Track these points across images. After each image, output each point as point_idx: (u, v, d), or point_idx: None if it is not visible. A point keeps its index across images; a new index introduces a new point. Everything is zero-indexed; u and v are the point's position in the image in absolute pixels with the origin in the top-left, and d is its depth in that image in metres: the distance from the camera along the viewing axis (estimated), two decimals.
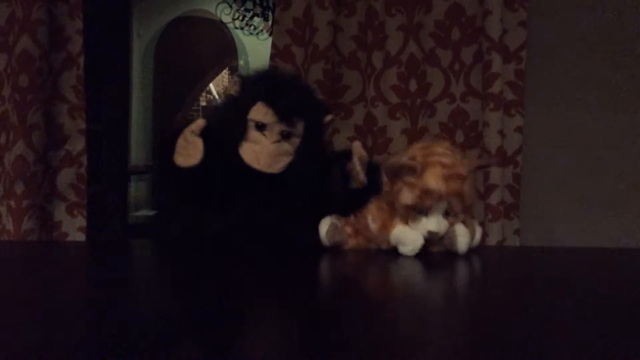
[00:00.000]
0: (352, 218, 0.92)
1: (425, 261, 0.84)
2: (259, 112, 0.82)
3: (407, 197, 0.84)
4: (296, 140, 0.85)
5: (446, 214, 0.86)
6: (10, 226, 1.39)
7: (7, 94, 1.45)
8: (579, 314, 0.50)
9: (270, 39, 1.52)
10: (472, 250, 0.89)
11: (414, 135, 1.48)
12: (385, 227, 0.87)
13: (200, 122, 0.82)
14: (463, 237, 0.86)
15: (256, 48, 5.72)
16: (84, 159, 1.48)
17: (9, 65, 1.45)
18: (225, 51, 6.20)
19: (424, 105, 1.50)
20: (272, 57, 1.50)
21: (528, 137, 1.51)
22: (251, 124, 0.83)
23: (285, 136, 0.84)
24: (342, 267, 0.82)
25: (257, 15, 4.40)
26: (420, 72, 1.49)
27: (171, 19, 5.61)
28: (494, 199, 1.42)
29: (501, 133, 1.43)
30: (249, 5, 4.37)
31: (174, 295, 0.58)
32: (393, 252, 0.87)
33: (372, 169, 0.88)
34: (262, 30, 4.78)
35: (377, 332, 0.43)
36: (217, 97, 7.23)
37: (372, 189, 0.87)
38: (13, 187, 1.39)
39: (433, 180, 0.84)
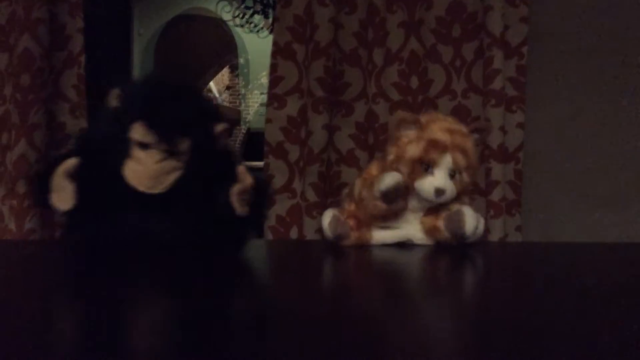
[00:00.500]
0: (351, 206, 0.91)
1: (426, 256, 0.83)
2: (139, 132, 0.76)
3: (412, 150, 0.85)
4: (184, 155, 0.80)
5: (451, 176, 0.86)
6: (12, 226, 1.40)
7: (8, 94, 1.45)
8: (582, 310, 0.50)
9: (270, 37, 1.52)
10: (474, 245, 0.89)
11: None
12: (372, 183, 0.86)
13: (71, 163, 0.76)
14: (470, 218, 0.85)
15: (256, 46, 5.72)
16: None
17: (10, 65, 1.45)
18: (225, 49, 6.20)
19: (426, 101, 1.50)
20: (274, 54, 1.50)
21: (529, 133, 1.51)
22: (134, 142, 0.78)
23: (171, 153, 0.77)
24: (336, 267, 0.82)
25: (258, 13, 4.40)
26: (422, 69, 1.49)
27: (171, 17, 5.61)
28: (495, 195, 1.43)
29: (502, 129, 1.43)
30: (249, 2, 4.37)
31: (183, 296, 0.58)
32: (395, 247, 0.87)
33: (262, 193, 0.84)
34: (262, 28, 4.78)
35: (374, 329, 0.43)
36: (217, 95, 7.22)
37: (257, 216, 0.84)
38: (15, 187, 1.39)
39: (439, 131, 0.85)
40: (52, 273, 0.71)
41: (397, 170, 0.86)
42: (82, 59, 1.49)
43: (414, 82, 1.49)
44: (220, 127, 0.82)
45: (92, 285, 0.61)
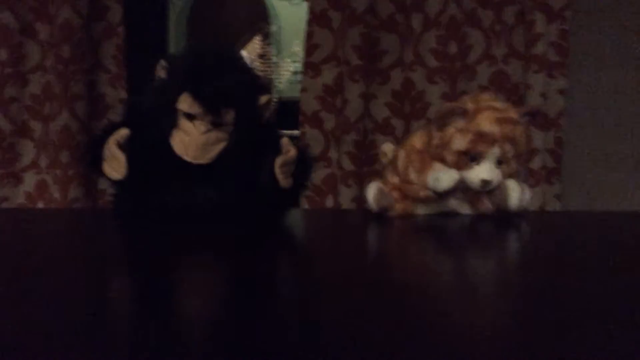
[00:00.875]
0: (394, 178, 0.91)
1: (468, 225, 0.83)
2: (186, 104, 0.78)
3: (459, 142, 0.82)
4: (229, 126, 0.81)
5: (498, 164, 0.84)
6: (57, 194, 1.44)
7: (49, 65, 1.47)
8: (631, 281, 0.49)
9: (303, 4, 1.50)
10: (517, 214, 0.88)
11: (452, 99, 1.46)
12: (424, 172, 0.85)
13: (123, 132, 0.77)
14: (515, 192, 0.84)
15: (288, 13, 5.66)
16: None
17: (51, 36, 1.47)
18: (257, 17, 6.16)
19: (464, 68, 1.47)
20: (309, 22, 1.49)
21: (571, 100, 1.47)
22: (181, 113, 0.79)
23: (216, 124, 0.79)
24: (381, 236, 0.82)
25: None
26: (461, 34, 1.46)
27: None
28: (535, 163, 1.40)
29: (544, 96, 1.40)
30: None
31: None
32: (434, 218, 0.86)
33: (304, 164, 0.84)
34: None
35: (416, 305, 0.43)
36: (247, 60, 7.20)
37: (300, 186, 0.84)
38: (59, 156, 1.43)
39: (487, 122, 0.81)
40: (101, 242, 0.74)
41: (442, 156, 0.85)
42: (121, 29, 1.50)
43: (453, 48, 1.46)
44: (264, 99, 0.83)
45: (140, 253, 0.63)
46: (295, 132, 1.53)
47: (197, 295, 0.45)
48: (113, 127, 0.81)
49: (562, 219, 1.08)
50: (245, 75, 0.84)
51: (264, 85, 0.88)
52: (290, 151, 0.78)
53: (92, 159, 0.81)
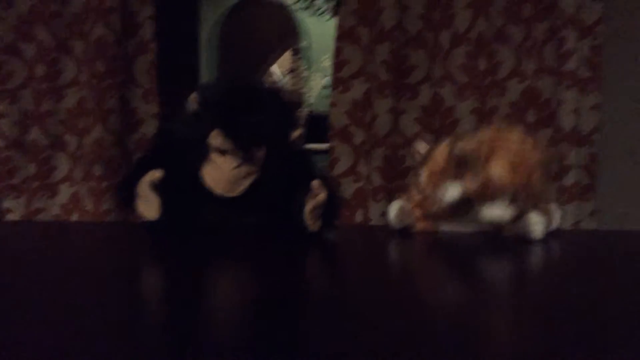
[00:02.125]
0: (416, 196, 0.90)
1: (495, 244, 0.82)
2: (217, 140, 0.79)
3: (471, 183, 0.80)
4: (260, 160, 0.81)
5: (511, 202, 0.82)
6: (90, 206, 1.47)
7: (84, 80, 1.51)
8: None
9: (332, 20, 1.51)
10: (547, 234, 0.86)
11: (482, 115, 1.45)
12: (440, 187, 0.84)
13: (156, 175, 0.78)
14: (538, 226, 0.82)
15: (318, 29, 5.71)
16: None
17: (85, 52, 1.51)
18: (288, 33, 6.22)
19: (494, 84, 1.46)
20: (338, 38, 1.50)
21: (605, 116, 1.45)
22: (212, 147, 0.80)
23: (247, 159, 0.80)
24: (403, 251, 0.82)
25: None
26: (490, 51, 1.45)
27: (235, 2, 5.67)
28: (568, 180, 1.38)
29: (576, 112, 1.38)
30: None
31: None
32: (460, 236, 0.85)
33: (333, 201, 0.83)
34: (324, 11, 4.76)
35: (437, 319, 0.43)
36: (280, 78, 7.27)
37: (326, 226, 0.84)
38: (92, 169, 1.46)
39: (498, 170, 0.79)
40: (136, 255, 0.75)
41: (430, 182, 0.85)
42: (153, 45, 1.53)
43: (482, 64, 1.45)
44: (296, 134, 0.84)
45: (170, 265, 0.63)
46: (325, 146, 1.53)
47: (224, 305, 0.45)
48: (145, 161, 0.83)
49: (593, 238, 1.05)
50: (277, 112, 0.84)
51: (295, 120, 0.89)
52: (320, 195, 0.78)
53: (126, 196, 0.83)
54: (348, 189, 1.48)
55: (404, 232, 0.88)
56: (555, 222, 0.87)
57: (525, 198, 0.81)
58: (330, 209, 0.82)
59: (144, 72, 1.53)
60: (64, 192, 1.54)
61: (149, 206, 0.79)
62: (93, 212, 1.46)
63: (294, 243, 0.80)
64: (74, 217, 1.52)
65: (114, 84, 1.47)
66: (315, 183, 0.78)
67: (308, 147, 0.88)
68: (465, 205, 0.83)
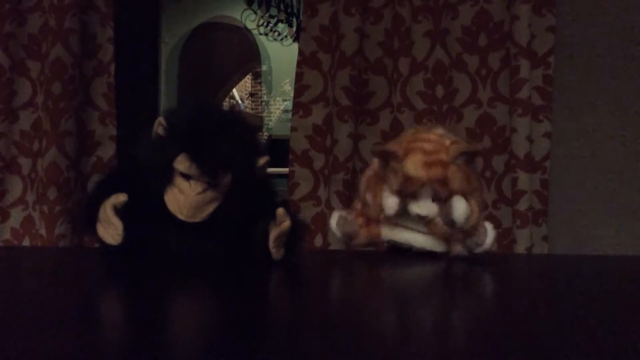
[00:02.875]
0: (358, 205, 0.93)
1: (442, 268, 0.83)
2: (182, 165, 0.78)
3: (393, 182, 0.86)
4: (225, 187, 0.83)
5: (437, 199, 0.85)
6: (43, 231, 1.43)
7: (40, 101, 1.48)
8: (607, 328, 0.50)
9: (293, 45, 1.54)
10: (490, 257, 0.89)
11: None
12: (376, 194, 0.88)
13: (121, 199, 0.79)
14: (459, 206, 0.85)
15: (279, 53, 5.76)
16: (115, 165, 1.51)
17: (42, 73, 1.48)
18: (248, 56, 6.25)
19: (451, 110, 1.49)
20: (299, 63, 1.51)
21: (556, 143, 1.50)
22: (177, 171, 0.81)
23: (212, 185, 0.80)
24: (338, 271, 0.82)
25: (282, 22, 4.44)
26: (447, 78, 1.49)
27: (196, 26, 5.67)
28: (522, 205, 1.42)
29: (529, 139, 1.43)
30: (274, 11, 4.41)
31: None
32: (410, 259, 0.87)
33: (297, 232, 0.85)
34: (286, 36, 4.82)
35: (385, 341, 0.43)
36: (239, 102, 7.28)
37: (289, 253, 0.85)
38: (46, 193, 1.42)
39: (412, 167, 0.84)
40: (88, 281, 0.73)
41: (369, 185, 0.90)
42: (112, 67, 1.52)
43: (440, 91, 1.49)
44: (262, 161, 0.84)
45: (127, 292, 0.62)
46: (285, 170, 1.54)
47: (182, 336, 0.45)
48: (106, 184, 0.82)
49: (546, 262, 1.08)
50: (244, 138, 0.84)
51: (261, 147, 0.89)
52: (284, 222, 0.79)
53: (85, 219, 0.81)
54: (308, 213, 1.48)
55: (347, 242, 0.89)
56: (489, 240, 0.89)
57: (447, 193, 0.84)
58: (294, 237, 0.83)
59: (102, 95, 1.51)
60: (16, 216, 1.49)
61: (111, 230, 0.78)
62: (46, 238, 1.42)
63: (255, 268, 0.80)
64: (26, 242, 1.48)
65: (71, 105, 1.45)
66: (280, 211, 0.78)
67: (268, 171, 0.88)
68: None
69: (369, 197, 0.90)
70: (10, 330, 0.44)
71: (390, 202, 0.86)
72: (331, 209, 1.49)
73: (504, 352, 0.41)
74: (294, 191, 1.50)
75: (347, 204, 1.48)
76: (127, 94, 1.56)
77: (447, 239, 0.89)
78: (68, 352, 0.39)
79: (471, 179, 0.87)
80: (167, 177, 0.80)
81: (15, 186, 1.50)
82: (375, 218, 0.91)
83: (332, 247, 1.48)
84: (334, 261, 0.97)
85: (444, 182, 0.84)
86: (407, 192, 0.85)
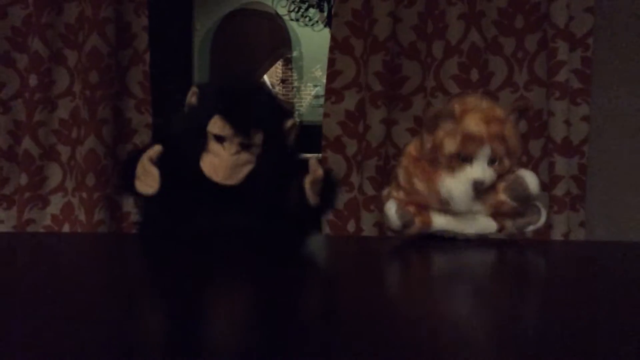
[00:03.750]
0: (399, 192, 0.92)
1: (485, 253, 0.83)
2: (217, 126, 0.82)
3: (450, 145, 0.83)
4: (257, 149, 0.84)
5: (491, 163, 0.84)
6: (82, 217, 1.46)
7: (77, 90, 1.51)
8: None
9: (324, 30, 1.53)
10: (535, 244, 0.88)
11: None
12: (433, 181, 0.86)
13: (157, 149, 0.80)
14: (531, 178, 0.84)
15: (310, 39, 5.74)
16: None
17: (79, 62, 1.51)
18: (279, 42, 6.24)
19: (486, 94, 1.47)
20: (331, 49, 1.51)
21: (595, 127, 1.47)
22: (210, 136, 0.83)
23: (245, 147, 0.83)
24: (401, 262, 0.82)
25: (313, 7, 4.41)
26: (482, 61, 1.47)
27: (227, 12, 5.68)
28: (559, 190, 1.39)
29: (567, 122, 1.40)
30: None
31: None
32: (453, 246, 0.86)
33: (330, 185, 0.86)
34: (317, 22, 4.79)
35: (424, 329, 0.43)
36: (271, 87, 7.29)
37: (326, 206, 0.86)
38: (85, 179, 1.45)
39: (473, 123, 0.82)
40: (130, 266, 0.74)
41: (435, 159, 0.86)
42: (147, 56, 1.54)
43: (474, 75, 1.46)
44: (290, 123, 0.86)
45: (168, 278, 0.63)
46: (317, 156, 1.54)
47: (216, 319, 0.45)
48: (143, 149, 0.84)
49: (585, 249, 1.06)
50: (271, 101, 0.87)
51: (289, 110, 0.91)
52: (318, 170, 0.80)
53: (125, 179, 0.84)
54: (341, 199, 1.48)
55: (403, 231, 0.89)
56: (542, 219, 0.89)
57: (504, 153, 0.83)
58: (328, 191, 0.84)
59: (138, 83, 1.53)
60: (56, 203, 1.53)
61: (149, 179, 0.80)
62: (85, 224, 1.45)
63: (289, 251, 0.80)
64: (66, 228, 1.52)
65: (107, 94, 1.47)
66: (313, 161, 0.80)
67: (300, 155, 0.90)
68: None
69: (417, 183, 0.88)
70: (51, 316, 0.45)
71: (459, 188, 0.84)
72: (364, 194, 1.49)
73: (543, 342, 0.41)
74: None
75: (379, 189, 1.48)
76: (162, 82, 1.57)
77: (502, 216, 0.88)
78: (106, 338, 0.40)
79: (520, 141, 0.87)
80: (201, 143, 0.83)
81: (55, 173, 1.53)
82: (425, 202, 0.89)
83: (365, 234, 1.48)
84: (373, 248, 0.96)
85: (502, 139, 0.83)
86: (467, 153, 0.83)
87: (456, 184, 0.84)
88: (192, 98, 0.85)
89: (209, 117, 0.82)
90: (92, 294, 0.54)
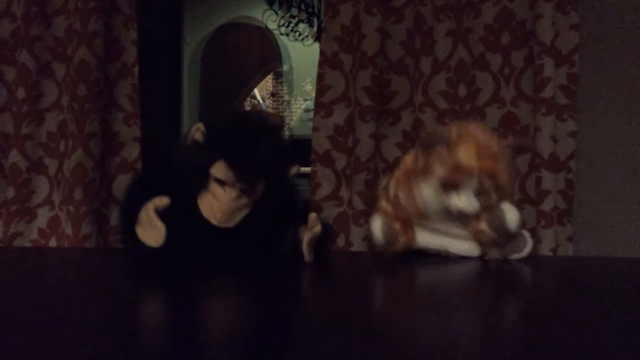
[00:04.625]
0: (387, 207, 0.92)
1: (472, 270, 0.83)
2: (220, 171, 0.81)
3: (440, 170, 0.84)
4: (257, 195, 0.84)
5: (478, 194, 0.84)
6: (69, 231, 1.45)
7: (65, 103, 1.51)
8: (632, 330, 0.49)
9: (314, 44, 1.54)
10: (522, 260, 0.88)
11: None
12: (413, 195, 0.87)
13: (164, 201, 0.80)
14: (511, 213, 0.84)
15: (300, 53, 5.77)
16: (139, 166, 1.53)
17: (67, 76, 1.51)
18: (269, 56, 6.27)
19: (474, 110, 1.48)
20: (321, 64, 1.51)
21: (581, 142, 1.48)
22: (212, 177, 0.83)
23: (245, 192, 0.83)
24: (389, 276, 0.82)
25: (303, 22, 4.44)
26: (470, 77, 1.48)
27: (218, 26, 5.70)
28: (546, 205, 1.40)
29: (553, 138, 1.41)
30: (295, 12, 4.42)
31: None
32: (439, 263, 0.86)
33: (326, 236, 0.86)
34: (307, 36, 4.82)
35: (411, 344, 0.43)
36: (261, 101, 7.30)
37: (321, 257, 0.86)
38: (72, 193, 1.45)
39: (465, 155, 0.82)
40: (116, 280, 0.74)
41: (426, 179, 0.86)
42: (136, 69, 1.54)
43: (462, 90, 1.48)
44: (294, 170, 0.87)
45: (154, 293, 0.63)
46: (306, 170, 1.54)
47: (203, 333, 0.45)
48: (140, 187, 0.84)
49: (571, 264, 1.07)
50: (279, 148, 0.87)
51: (294, 156, 0.92)
52: (316, 227, 0.80)
53: (127, 222, 0.83)
54: (330, 213, 1.48)
55: (386, 248, 0.89)
56: (527, 248, 0.89)
57: (491, 188, 0.83)
58: (323, 241, 0.85)
59: (126, 96, 1.53)
60: (43, 216, 1.52)
61: (154, 233, 0.79)
62: (72, 238, 1.44)
63: (283, 271, 0.80)
64: (52, 242, 1.51)
65: (96, 107, 1.47)
66: (312, 216, 0.81)
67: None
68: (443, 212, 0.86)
69: (402, 194, 0.89)
70: (35, 330, 0.45)
71: (430, 195, 0.85)
72: (353, 209, 1.49)
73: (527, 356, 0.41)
74: (315, 191, 1.50)
75: (368, 204, 1.48)
76: (151, 95, 1.57)
77: (482, 244, 0.88)
78: (96, 353, 0.40)
79: (512, 178, 0.86)
80: (202, 182, 0.83)
81: (42, 187, 1.52)
82: (409, 217, 0.89)
83: (354, 248, 1.48)
84: (360, 263, 0.97)
85: (492, 175, 0.83)
86: (453, 182, 0.83)
87: (428, 193, 0.85)
88: (196, 134, 0.84)
89: (213, 160, 0.82)
90: (76, 309, 0.53)
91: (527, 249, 0.89)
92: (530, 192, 1.45)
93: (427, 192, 0.85)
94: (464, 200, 0.83)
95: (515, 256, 0.89)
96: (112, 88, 1.53)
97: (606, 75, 1.54)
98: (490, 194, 0.84)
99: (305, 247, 0.81)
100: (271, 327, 0.46)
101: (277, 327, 0.46)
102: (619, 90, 1.53)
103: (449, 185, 0.84)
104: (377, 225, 0.91)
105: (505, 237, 0.86)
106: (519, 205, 1.46)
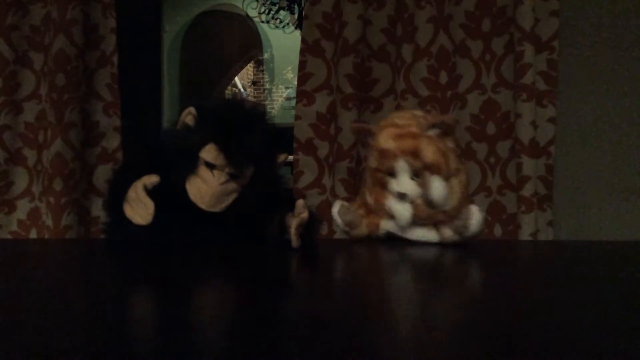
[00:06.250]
0: (359, 198, 0.96)
1: (445, 254, 0.84)
2: (210, 154, 0.82)
3: (371, 161, 0.89)
4: (245, 180, 0.85)
5: (415, 177, 0.87)
6: (49, 222, 1.43)
7: (44, 93, 1.48)
8: (607, 312, 0.50)
9: (295, 32, 1.53)
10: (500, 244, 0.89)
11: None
12: (379, 200, 0.90)
13: (154, 179, 0.80)
14: (435, 184, 0.86)
15: (281, 41, 5.75)
16: (120, 156, 1.51)
17: (45, 65, 1.48)
18: (250, 44, 6.23)
19: (455, 97, 1.49)
20: (302, 51, 1.51)
21: (561, 128, 1.50)
22: (202, 161, 0.83)
23: (234, 177, 0.84)
24: (367, 261, 0.83)
25: (283, 9, 4.42)
26: (451, 64, 1.49)
27: (197, 14, 5.65)
28: (527, 190, 1.42)
29: (533, 124, 1.42)
30: None
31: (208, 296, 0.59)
32: (412, 248, 0.87)
33: (311, 225, 0.87)
34: (287, 24, 4.80)
35: (376, 335, 0.44)
36: (242, 90, 7.27)
37: (305, 245, 0.87)
38: (52, 184, 1.43)
39: (384, 140, 0.87)
40: (98, 272, 0.73)
41: (366, 180, 0.93)
42: (115, 58, 1.52)
43: (443, 77, 1.48)
44: (282, 157, 0.87)
45: (138, 284, 0.63)
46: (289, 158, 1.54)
47: (191, 325, 0.45)
48: (132, 166, 0.83)
49: (551, 248, 1.08)
50: (269, 135, 0.88)
51: (284, 143, 0.92)
52: (304, 213, 0.81)
53: (115, 199, 0.83)
54: (313, 201, 1.49)
55: (348, 232, 0.91)
56: (475, 223, 0.88)
57: (420, 165, 0.85)
58: (309, 228, 0.85)
59: (106, 85, 1.51)
60: (22, 208, 1.50)
61: (142, 210, 0.79)
62: (52, 229, 1.42)
63: (268, 257, 0.80)
64: (33, 234, 1.49)
65: (75, 97, 1.45)
66: (300, 202, 0.81)
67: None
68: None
69: (369, 197, 0.92)
70: (17, 324, 0.44)
71: (402, 211, 0.88)
72: (336, 196, 1.49)
73: (502, 343, 0.41)
74: (298, 179, 1.50)
75: (351, 191, 1.48)
76: (130, 84, 1.55)
77: (436, 225, 0.89)
78: (77, 346, 0.39)
79: (448, 155, 0.87)
80: (191, 165, 0.82)
81: (21, 178, 1.50)
82: (379, 217, 0.92)
83: (337, 236, 1.49)
84: (339, 250, 0.97)
85: (415, 154, 0.85)
86: (385, 167, 0.87)
87: (395, 207, 0.88)
88: (187, 117, 0.84)
89: (204, 143, 0.82)
90: (58, 301, 0.53)
91: (474, 222, 0.87)
92: (511, 177, 1.46)
93: (396, 208, 0.88)
94: (402, 184, 0.87)
95: (469, 233, 0.88)
96: (91, 77, 1.52)
97: (586, 61, 1.55)
98: (424, 173, 0.86)
99: (293, 233, 0.82)
100: (260, 314, 0.47)
101: (265, 314, 0.47)
102: (598, 76, 1.55)
103: (387, 172, 0.88)
104: (335, 209, 0.94)
105: (438, 210, 0.87)
106: (499, 191, 1.48)
